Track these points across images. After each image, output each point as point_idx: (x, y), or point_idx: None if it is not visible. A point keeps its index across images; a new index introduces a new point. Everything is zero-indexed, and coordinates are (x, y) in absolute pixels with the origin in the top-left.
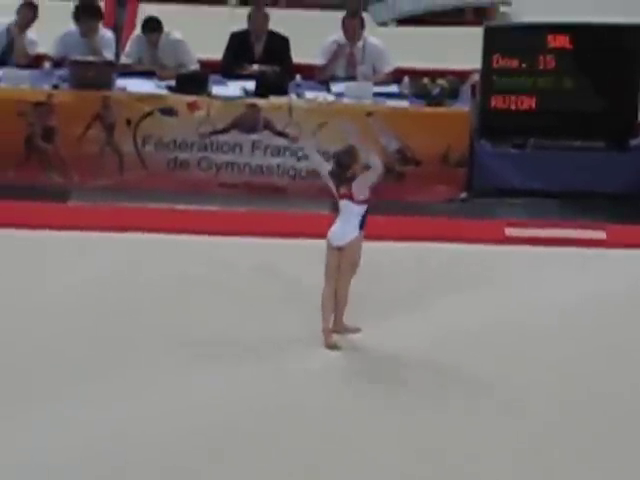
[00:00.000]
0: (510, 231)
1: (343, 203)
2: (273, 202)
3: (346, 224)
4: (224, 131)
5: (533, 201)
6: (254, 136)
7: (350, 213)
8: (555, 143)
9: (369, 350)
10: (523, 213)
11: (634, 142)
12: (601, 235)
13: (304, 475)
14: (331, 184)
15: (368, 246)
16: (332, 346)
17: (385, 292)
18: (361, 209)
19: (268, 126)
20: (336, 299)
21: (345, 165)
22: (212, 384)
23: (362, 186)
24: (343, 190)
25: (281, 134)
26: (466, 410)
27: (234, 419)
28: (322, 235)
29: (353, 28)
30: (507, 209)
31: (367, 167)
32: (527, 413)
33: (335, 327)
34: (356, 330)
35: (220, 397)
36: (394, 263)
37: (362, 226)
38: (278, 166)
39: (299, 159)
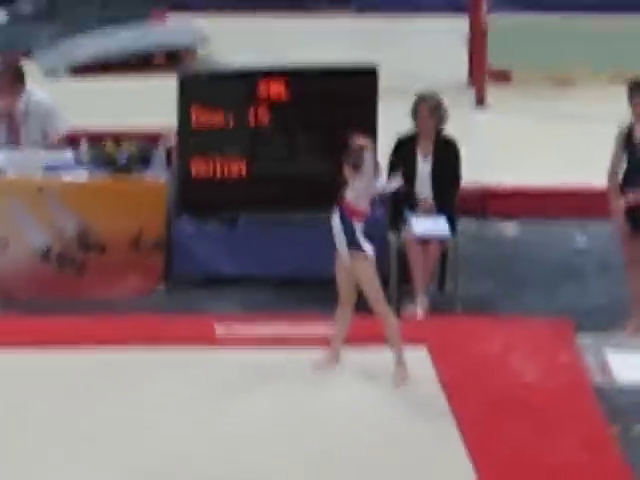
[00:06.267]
0: (221, 329)
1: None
2: None
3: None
4: None
5: (248, 290)
6: None
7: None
8: (272, 217)
9: None
10: (237, 306)
11: None
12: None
13: None
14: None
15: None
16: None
17: None
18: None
19: None
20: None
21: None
22: None
23: (361, 192)
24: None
25: None
26: None
27: None
28: None
29: (7, 84)
30: (217, 302)
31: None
32: None
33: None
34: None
35: None
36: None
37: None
38: None
39: None
